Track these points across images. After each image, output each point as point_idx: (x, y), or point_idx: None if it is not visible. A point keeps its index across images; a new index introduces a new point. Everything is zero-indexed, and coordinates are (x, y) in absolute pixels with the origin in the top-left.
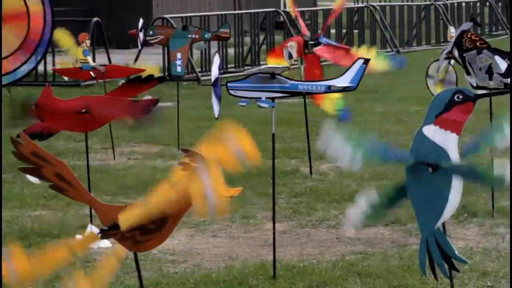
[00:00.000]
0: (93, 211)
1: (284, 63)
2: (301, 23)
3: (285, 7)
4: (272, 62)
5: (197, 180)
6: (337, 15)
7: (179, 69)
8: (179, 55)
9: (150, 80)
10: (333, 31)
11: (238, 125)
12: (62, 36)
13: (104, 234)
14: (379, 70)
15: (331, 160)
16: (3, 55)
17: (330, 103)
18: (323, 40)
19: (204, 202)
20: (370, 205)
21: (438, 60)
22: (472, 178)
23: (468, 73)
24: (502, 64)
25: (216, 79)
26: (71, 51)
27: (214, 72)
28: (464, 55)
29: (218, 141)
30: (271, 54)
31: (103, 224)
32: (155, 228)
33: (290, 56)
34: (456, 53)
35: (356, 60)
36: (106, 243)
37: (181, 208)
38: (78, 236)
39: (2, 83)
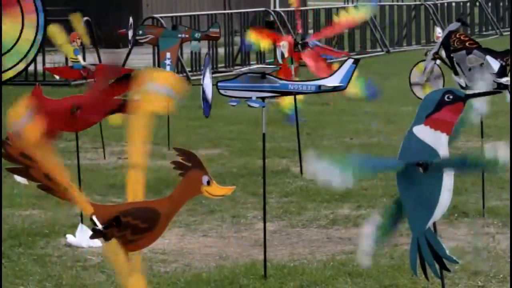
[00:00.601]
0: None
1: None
2: (298, 21)
3: (275, 6)
4: (253, 36)
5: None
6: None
7: (168, 68)
8: (168, 55)
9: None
10: None
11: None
12: (56, 32)
13: (95, 234)
14: (351, 94)
15: (324, 184)
16: None
17: (353, 85)
18: (311, 43)
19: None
20: (377, 228)
21: (420, 62)
22: (466, 167)
23: (456, 74)
24: (494, 64)
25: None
26: (64, 47)
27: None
28: (452, 55)
29: (144, 94)
30: (256, 31)
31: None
32: (146, 228)
33: (282, 56)
34: (443, 53)
35: (346, 60)
36: (97, 242)
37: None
38: (68, 236)
39: None
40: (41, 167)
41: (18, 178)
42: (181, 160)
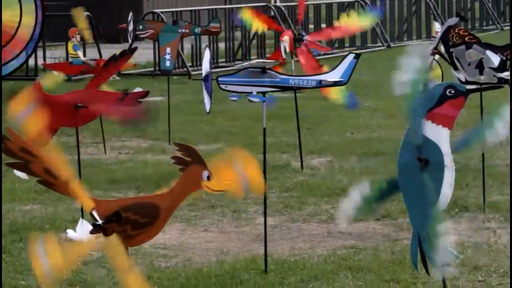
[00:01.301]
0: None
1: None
2: (300, 15)
3: (275, 1)
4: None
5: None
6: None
7: (168, 63)
8: (168, 50)
9: (125, 55)
10: (323, 25)
11: (247, 153)
12: (79, 17)
13: (95, 229)
14: (332, 98)
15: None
16: None
17: (335, 91)
18: (305, 37)
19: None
20: (363, 198)
21: None
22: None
23: (455, 69)
24: (495, 59)
25: (207, 74)
26: (85, 34)
27: (205, 67)
28: (451, 50)
29: (227, 165)
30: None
31: (94, 219)
32: (146, 223)
33: (285, 50)
34: (442, 48)
35: (347, 55)
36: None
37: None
38: (69, 231)
39: None
40: (41, 162)
41: (18, 173)
42: (181, 155)
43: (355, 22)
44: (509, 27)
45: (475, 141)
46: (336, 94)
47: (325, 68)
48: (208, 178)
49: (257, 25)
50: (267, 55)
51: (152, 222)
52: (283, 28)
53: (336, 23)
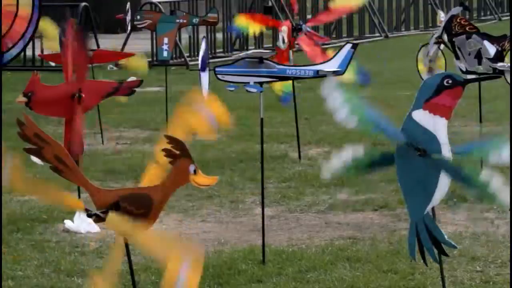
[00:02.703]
0: (81, 197)
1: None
2: (295, 7)
3: None
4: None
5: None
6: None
7: (165, 53)
8: (166, 40)
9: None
10: None
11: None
12: (47, 26)
13: (96, 218)
14: (345, 80)
15: (329, 110)
16: None
17: (281, 84)
18: (304, 27)
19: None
20: (353, 159)
21: (427, 44)
22: (458, 178)
23: (457, 58)
24: (491, 49)
25: (204, 65)
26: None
27: (202, 58)
28: (453, 39)
29: (191, 111)
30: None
31: (97, 208)
32: (141, 214)
33: (283, 41)
34: (445, 37)
35: (345, 45)
36: (94, 228)
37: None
38: (67, 221)
39: None
40: (52, 149)
41: (34, 158)
42: (170, 148)
43: (348, 2)
44: (507, 18)
45: (476, 155)
46: (348, 73)
47: (330, 54)
48: (195, 172)
49: (253, 28)
50: (265, 45)
51: (147, 214)
52: (281, 20)
53: (331, 6)
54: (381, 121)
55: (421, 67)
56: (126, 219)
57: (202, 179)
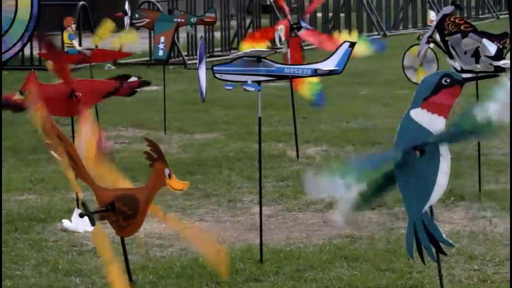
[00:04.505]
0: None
1: (260, 47)
2: (285, 8)
3: None
4: (247, 47)
5: None
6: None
7: (161, 53)
8: (162, 39)
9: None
10: (319, 14)
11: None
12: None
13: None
14: (361, 54)
15: (332, 201)
16: None
17: (308, 87)
18: (303, 24)
19: None
20: (359, 193)
21: (413, 45)
22: (463, 136)
23: (451, 57)
24: (491, 47)
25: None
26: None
27: (200, 56)
28: (446, 39)
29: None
30: (250, 38)
31: (100, 206)
32: (131, 215)
33: (280, 40)
34: (437, 37)
35: (342, 44)
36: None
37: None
38: (64, 221)
39: None
40: (64, 146)
41: (54, 154)
42: (149, 151)
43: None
44: (504, 16)
45: (464, 125)
46: (361, 46)
47: (336, 36)
48: (169, 176)
49: (260, 47)
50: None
51: (135, 215)
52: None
53: None
54: (371, 159)
55: (408, 73)
56: (117, 225)
57: (175, 183)
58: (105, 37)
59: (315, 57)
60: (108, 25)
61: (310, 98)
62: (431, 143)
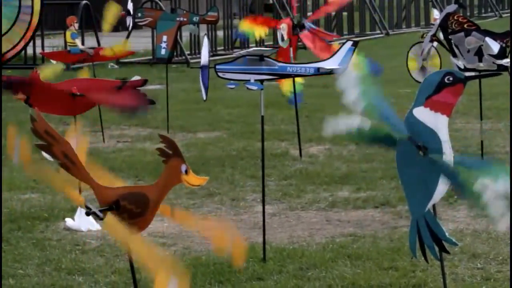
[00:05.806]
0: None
1: (258, 29)
2: (293, 4)
3: None
4: (246, 26)
5: None
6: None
7: (163, 51)
8: (165, 38)
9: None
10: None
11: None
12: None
13: (95, 216)
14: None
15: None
16: None
17: (288, 84)
18: (307, 24)
19: None
20: (359, 128)
21: (416, 43)
22: (452, 182)
23: (454, 56)
24: (494, 46)
25: (204, 65)
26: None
27: (204, 56)
28: (450, 37)
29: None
30: (249, 19)
31: (101, 205)
32: (139, 213)
33: (282, 38)
34: (441, 35)
35: (345, 43)
36: (96, 225)
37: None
38: (68, 219)
39: None
40: (61, 146)
41: (45, 154)
42: (164, 148)
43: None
44: (507, 14)
45: (474, 173)
46: (357, 67)
47: (335, 48)
48: (186, 172)
49: (259, 31)
50: (265, 43)
51: (144, 213)
52: (282, 17)
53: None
54: (387, 111)
55: (411, 64)
56: (122, 223)
57: (193, 179)
58: (113, 22)
59: (310, 57)
60: (113, 8)
61: (288, 95)
62: (431, 160)
